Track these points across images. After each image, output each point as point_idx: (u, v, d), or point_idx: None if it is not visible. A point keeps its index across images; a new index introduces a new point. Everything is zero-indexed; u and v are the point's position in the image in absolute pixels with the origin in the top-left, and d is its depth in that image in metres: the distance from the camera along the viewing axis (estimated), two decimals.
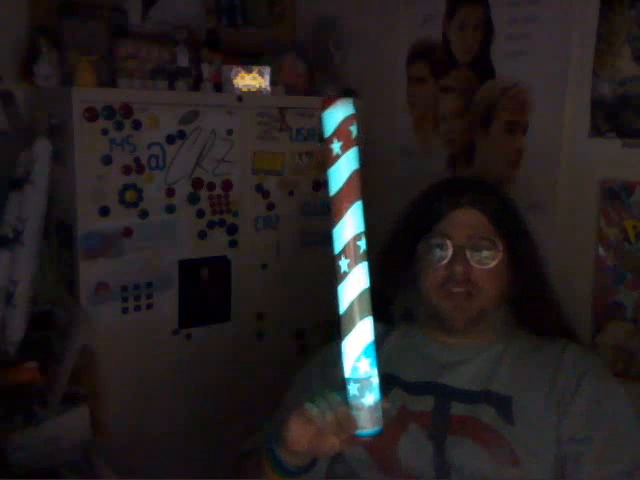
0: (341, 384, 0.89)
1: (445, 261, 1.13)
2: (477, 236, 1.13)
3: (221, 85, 2.06)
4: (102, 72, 1.89)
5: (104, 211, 1.86)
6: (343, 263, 0.86)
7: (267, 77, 2.08)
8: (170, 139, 1.93)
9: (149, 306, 1.97)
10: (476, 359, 1.16)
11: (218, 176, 2.03)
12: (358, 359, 0.87)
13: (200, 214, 2.02)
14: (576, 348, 1.16)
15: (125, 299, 1.93)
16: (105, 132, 1.83)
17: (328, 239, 0.88)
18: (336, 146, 0.85)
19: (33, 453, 1.64)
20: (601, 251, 1.62)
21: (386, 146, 2.20)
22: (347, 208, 0.85)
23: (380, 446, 1.09)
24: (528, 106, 1.76)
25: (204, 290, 2.07)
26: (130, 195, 1.89)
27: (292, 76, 2.20)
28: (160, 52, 2.01)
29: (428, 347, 1.20)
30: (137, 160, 1.89)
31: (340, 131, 0.85)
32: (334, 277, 0.87)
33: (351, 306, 0.86)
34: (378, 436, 0.90)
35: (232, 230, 2.09)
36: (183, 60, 2.02)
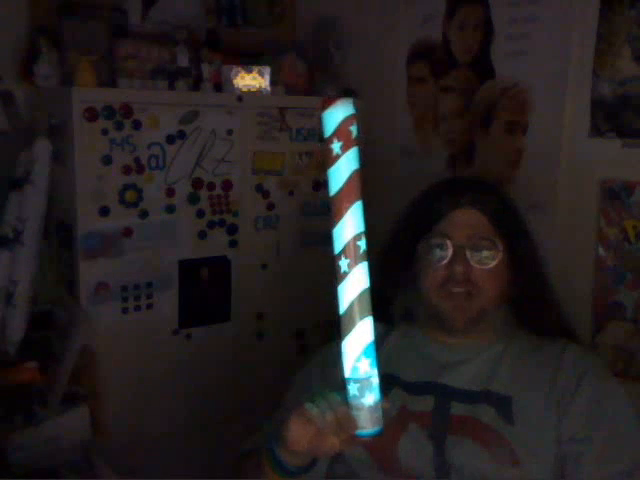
0: (341, 384, 0.89)
1: (445, 261, 1.13)
2: (477, 236, 1.13)
3: (221, 85, 2.06)
4: (102, 72, 1.89)
5: (104, 211, 1.86)
6: (343, 263, 0.86)
7: (267, 77, 2.08)
8: (170, 139, 1.93)
9: (149, 306, 1.97)
10: (476, 359, 1.16)
11: (218, 176, 2.03)
12: (358, 359, 0.87)
13: (200, 214, 2.02)
14: (576, 348, 1.16)
15: (125, 299, 1.93)
16: (105, 132, 1.83)
17: (328, 239, 0.88)
18: (336, 146, 0.85)
19: (33, 453, 1.64)
20: (601, 251, 1.62)
21: (386, 146, 2.20)
22: (347, 208, 0.85)
23: (380, 446, 1.09)
24: (528, 106, 1.76)
25: (204, 290, 2.07)
26: (130, 195, 1.89)
27: (292, 76, 2.20)
28: (160, 52, 2.01)
29: (428, 347, 1.20)
30: (137, 160, 1.89)
31: (340, 131, 0.85)
32: (334, 277, 0.87)
33: (351, 306, 0.86)
34: (378, 436, 0.90)
35: (232, 230, 2.09)
36: (183, 60, 2.02)
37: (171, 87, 1.96)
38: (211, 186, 2.02)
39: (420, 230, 1.17)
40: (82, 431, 1.75)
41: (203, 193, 2.02)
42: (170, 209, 1.96)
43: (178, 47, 2.03)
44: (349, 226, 0.85)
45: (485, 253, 1.13)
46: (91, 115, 1.80)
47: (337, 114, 0.85)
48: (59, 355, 1.83)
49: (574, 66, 1.65)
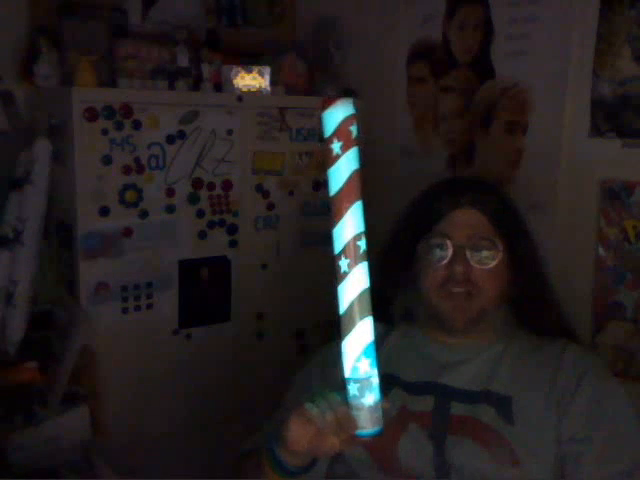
0: (341, 384, 0.89)
1: (445, 261, 1.13)
2: (477, 236, 1.13)
3: (221, 85, 2.06)
4: (102, 72, 1.89)
5: (104, 211, 1.86)
6: (343, 263, 0.86)
7: (267, 77, 2.08)
8: (170, 139, 1.93)
9: (149, 306, 1.97)
10: (476, 359, 1.16)
11: (218, 176, 2.03)
12: (358, 359, 0.87)
13: (200, 214, 2.02)
14: (576, 348, 1.16)
15: (125, 299, 1.93)
16: (105, 132, 1.83)
17: (328, 239, 0.88)
18: (336, 146, 0.85)
19: (33, 453, 1.64)
20: (601, 251, 1.62)
21: (386, 146, 2.20)
22: (347, 208, 0.85)
23: (380, 446, 1.09)
24: (528, 106, 1.76)
25: (204, 290, 2.07)
26: (130, 195, 1.89)
27: (292, 76, 2.20)
28: (160, 52, 2.01)
29: (428, 347, 1.20)
30: (137, 160, 1.89)
31: (340, 131, 0.85)
32: (334, 277, 0.87)
33: (351, 306, 0.86)
34: (378, 436, 0.90)
35: (232, 230, 2.09)
36: (183, 60, 2.02)
37: (171, 87, 1.96)
38: (211, 186, 2.02)
39: (420, 230, 1.17)
40: (82, 431, 1.75)
41: (203, 193, 2.02)
42: (170, 209, 1.96)
43: (178, 47, 2.03)
44: (349, 226, 0.85)
45: (485, 253, 1.13)
46: (91, 115, 1.80)
47: (337, 114, 0.85)
48: (59, 355, 1.83)
49: (574, 66, 1.65)
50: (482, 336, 1.17)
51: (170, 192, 1.96)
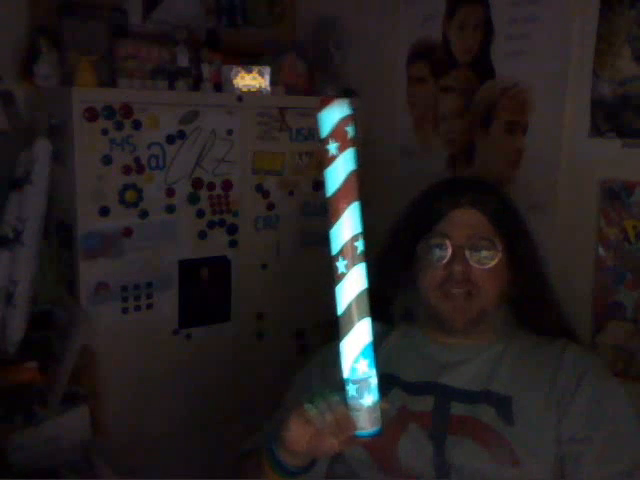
0: (340, 384, 0.89)
1: (444, 261, 1.13)
2: (476, 236, 1.13)
3: (221, 85, 2.06)
4: (102, 72, 1.89)
5: (104, 211, 1.86)
6: (341, 264, 0.86)
7: (267, 77, 2.08)
8: (170, 139, 1.93)
9: (149, 306, 1.97)
10: (476, 359, 1.16)
11: (218, 176, 2.03)
12: (356, 360, 0.87)
13: (200, 214, 2.02)
14: (576, 348, 1.16)
15: (125, 299, 1.93)
16: (105, 132, 1.83)
17: (328, 239, 0.88)
18: (332, 147, 0.85)
19: (33, 453, 1.64)
20: (601, 251, 1.62)
21: (386, 146, 2.20)
22: (344, 209, 0.85)
23: (380, 446, 1.09)
24: (528, 106, 1.76)
25: (204, 290, 2.07)
26: (130, 195, 1.89)
27: (292, 76, 2.20)
28: (160, 52, 2.01)
29: (428, 347, 1.20)
30: (137, 160, 1.89)
31: (336, 132, 0.85)
32: (332, 278, 0.87)
33: (349, 307, 0.86)
34: (377, 436, 0.90)
35: (232, 230, 2.09)
36: (183, 60, 2.02)
37: (171, 87, 1.96)
38: (211, 186, 2.02)
39: (420, 230, 1.17)
40: (82, 431, 1.75)
41: (203, 193, 2.02)
42: (170, 209, 1.96)
43: (178, 47, 2.03)
44: (346, 227, 0.85)
45: (484, 253, 1.13)
46: (91, 115, 1.80)
47: (333, 115, 0.85)
48: (59, 355, 1.83)
49: (574, 66, 1.65)
50: (482, 336, 1.17)
51: (170, 192, 1.96)
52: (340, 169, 0.85)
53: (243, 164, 2.07)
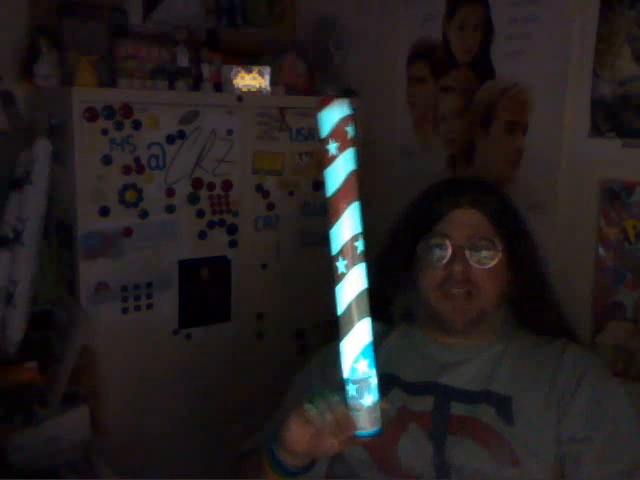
0: (340, 384, 0.89)
1: (444, 261, 1.13)
2: (476, 236, 1.13)
3: (221, 85, 2.06)
4: (102, 72, 1.89)
5: (104, 211, 1.86)
6: (341, 264, 0.86)
7: (267, 77, 2.08)
8: (170, 139, 1.93)
9: (149, 306, 1.97)
10: (476, 359, 1.16)
11: (218, 176, 2.03)
12: (356, 360, 0.87)
13: (200, 214, 2.02)
14: (576, 348, 1.16)
15: (125, 299, 1.93)
16: (105, 132, 1.83)
17: (328, 239, 0.88)
18: (332, 147, 0.85)
19: (33, 453, 1.64)
20: (601, 251, 1.62)
21: (386, 146, 2.20)
22: (344, 209, 0.85)
23: (380, 446, 1.09)
24: (528, 106, 1.76)
25: (204, 290, 2.07)
26: (130, 195, 1.89)
27: (292, 76, 2.20)
28: (160, 52, 2.01)
29: (428, 347, 1.20)
30: (137, 160, 1.89)
31: (336, 132, 0.85)
32: (332, 278, 0.87)
33: (349, 307, 0.86)
34: (377, 436, 0.90)
35: (232, 230, 2.09)
36: (183, 60, 2.02)
37: (171, 87, 1.96)
38: (211, 186, 2.02)
39: (420, 230, 1.17)
40: (82, 431, 1.75)
41: (203, 193, 2.02)
42: (170, 209, 1.96)
43: (178, 47, 2.03)
44: (346, 227, 0.85)
45: (484, 253, 1.13)
46: (91, 115, 1.80)
47: (333, 115, 0.85)
48: (59, 355, 1.83)
49: (574, 66, 1.65)
50: (482, 336, 1.17)
51: (170, 192, 1.96)
52: (340, 169, 0.85)
53: (243, 164, 2.07)
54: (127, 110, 1.85)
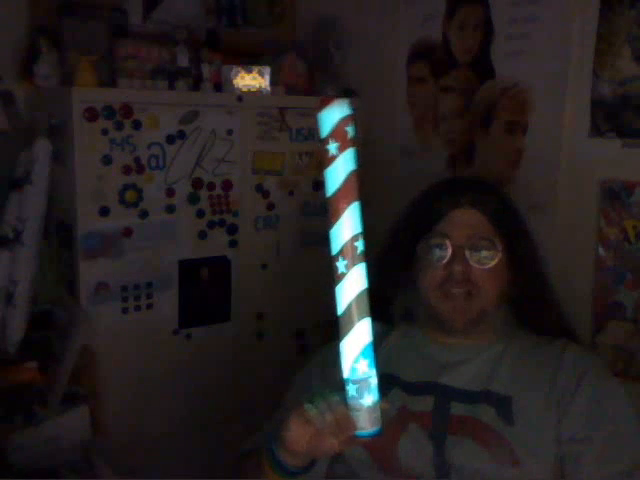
0: (340, 384, 0.89)
1: (444, 261, 1.13)
2: (476, 236, 1.13)
3: (221, 85, 2.06)
4: (102, 72, 1.89)
5: (104, 211, 1.86)
6: (341, 264, 0.86)
7: (267, 77, 2.08)
8: (170, 139, 1.93)
9: (149, 306, 1.97)
10: (476, 359, 1.16)
11: (218, 176, 2.03)
12: (356, 360, 0.87)
13: (200, 214, 2.02)
14: (576, 348, 1.16)
15: (125, 299, 1.93)
16: (105, 132, 1.83)
17: (328, 239, 0.88)
18: (332, 147, 0.85)
19: (33, 453, 1.64)
20: (601, 251, 1.62)
21: (386, 146, 2.20)
22: (344, 209, 0.85)
23: (380, 446, 1.09)
24: (528, 106, 1.76)
25: (204, 290, 2.07)
26: (130, 195, 1.89)
27: (292, 76, 2.20)
28: (160, 52, 2.01)
29: (428, 347, 1.20)
30: (137, 160, 1.89)
31: (336, 132, 0.85)
32: (332, 278, 0.87)
33: (349, 307, 0.86)
34: (377, 436, 0.90)
35: (232, 230, 2.09)
36: (183, 60, 2.02)
37: (171, 87, 1.96)
38: (211, 186, 2.02)
39: (420, 230, 1.17)
40: (82, 431, 1.75)
41: (203, 193, 2.02)
42: (170, 209, 1.96)
43: (178, 47, 2.03)
44: (346, 227, 0.85)
45: (484, 253, 1.13)
46: (91, 115, 1.80)
47: (333, 115, 0.85)
48: (59, 355, 1.83)
49: (574, 66, 1.65)
50: (482, 336, 1.17)
51: (170, 192, 1.96)
52: (340, 169, 0.85)
53: (243, 164, 2.07)
54: (127, 110, 1.85)
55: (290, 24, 2.50)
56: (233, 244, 2.10)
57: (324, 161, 0.86)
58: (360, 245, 0.86)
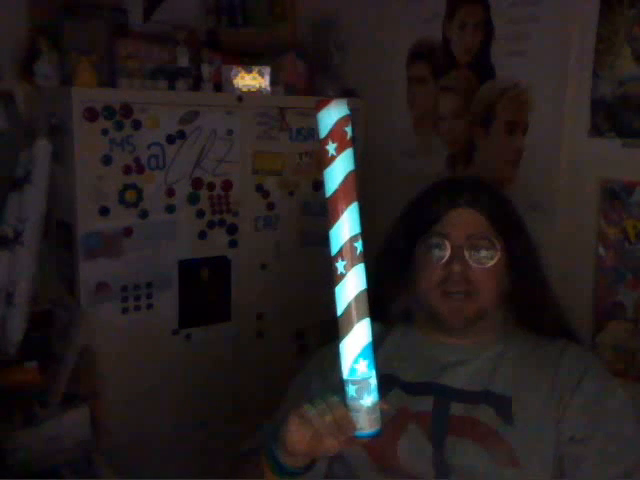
0: (340, 385, 0.89)
1: (443, 261, 1.12)
2: (475, 236, 1.13)
3: (221, 85, 2.06)
4: (102, 72, 1.89)
5: (104, 211, 1.86)
6: (340, 265, 0.86)
7: (267, 77, 2.08)
8: (170, 139, 1.93)
9: (149, 306, 1.97)
10: (476, 359, 1.16)
11: (218, 176, 2.03)
12: (356, 361, 0.87)
13: (200, 214, 2.02)
14: (576, 348, 1.16)
15: (125, 299, 1.93)
16: (105, 132, 1.83)
17: (328, 239, 0.88)
18: (331, 147, 0.85)
19: (33, 453, 1.64)
20: (601, 251, 1.62)
21: (386, 146, 2.20)
22: (343, 210, 0.85)
23: (380, 446, 1.09)
24: (528, 106, 1.76)
25: (204, 290, 2.07)
26: (130, 195, 1.89)
27: (292, 76, 2.20)
28: (160, 52, 2.01)
29: (427, 347, 1.20)
30: (137, 160, 1.89)
31: (334, 132, 0.85)
32: (331, 278, 0.87)
33: (348, 308, 0.86)
34: (377, 437, 0.90)
35: (232, 230, 2.09)
36: (183, 60, 2.02)
37: (171, 87, 1.96)
38: (211, 186, 2.02)
39: (418, 230, 1.17)
40: (82, 431, 1.75)
41: (203, 193, 2.02)
42: (170, 209, 1.96)
43: (178, 47, 2.03)
44: (345, 228, 0.85)
45: (483, 253, 1.12)
46: (91, 115, 1.80)
47: (331, 115, 0.85)
48: (59, 355, 1.83)
49: (574, 66, 1.65)
50: (481, 336, 1.17)
51: (170, 192, 1.96)
52: (338, 169, 0.85)
53: (243, 164, 2.07)
54: (127, 110, 1.85)
55: (290, 24, 2.49)
56: (233, 244, 2.10)
57: (323, 161, 0.86)
58: (359, 246, 0.86)
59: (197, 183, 2.00)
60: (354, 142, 0.86)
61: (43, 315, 1.94)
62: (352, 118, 0.86)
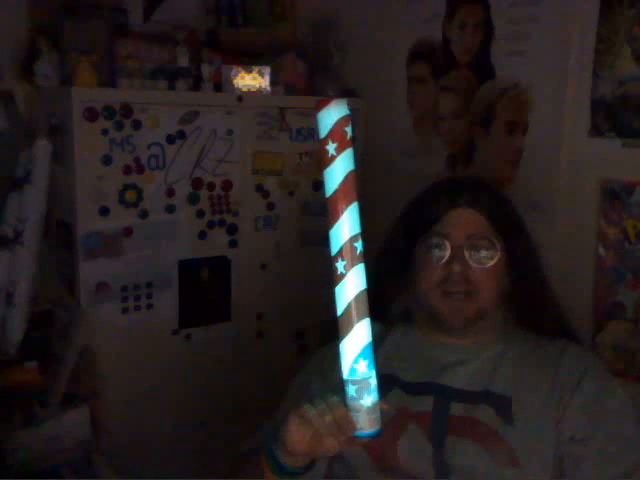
0: (340, 385, 0.89)
1: (443, 261, 1.12)
2: (475, 236, 1.13)
3: (221, 85, 2.06)
4: (102, 72, 1.89)
5: (104, 211, 1.86)
6: (340, 265, 0.86)
7: (267, 77, 2.08)
8: (170, 139, 1.93)
9: (149, 306, 1.97)
10: (476, 359, 1.16)
11: (218, 176, 2.03)
12: (356, 361, 0.87)
13: (200, 214, 2.02)
14: (576, 348, 1.16)
15: (125, 299, 1.93)
16: (105, 132, 1.83)
17: (328, 239, 0.88)
18: (331, 147, 0.85)
19: (33, 453, 1.64)
20: (601, 251, 1.62)
21: (386, 146, 2.20)
22: (343, 210, 0.85)
23: (379, 446, 1.09)
24: (528, 106, 1.76)
25: (204, 290, 2.07)
26: (130, 195, 1.89)
27: (292, 76, 2.20)
28: (160, 52, 2.01)
29: (427, 347, 1.20)
30: (137, 160, 1.89)
31: (334, 132, 0.85)
32: (331, 278, 0.87)
33: (348, 308, 0.86)
34: (377, 437, 0.90)
35: (232, 230, 2.09)
36: (183, 60, 2.02)
37: (171, 87, 1.96)
38: (211, 186, 2.02)
39: (418, 230, 1.17)
40: (82, 431, 1.75)
41: (203, 193, 2.02)
42: (170, 209, 1.96)
43: (178, 47, 2.03)
44: (345, 228, 0.85)
45: (483, 253, 1.12)
46: (91, 115, 1.80)
47: (331, 115, 0.85)
48: (59, 355, 1.83)
49: (574, 66, 1.65)
50: (481, 336, 1.17)
51: (170, 192, 1.96)
52: (338, 169, 0.85)
53: (243, 164, 2.07)
54: (127, 110, 1.85)
55: (290, 24, 2.49)
56: (233, 244, 2.10)
57: (323, 161, 0.86)
58: (359, 246, 0.86)
59: (197, 183, 2.00)
60: (354, 142, 0.87)
61: (43, 315, 1.94)
62: (352, 118, 0.86)
